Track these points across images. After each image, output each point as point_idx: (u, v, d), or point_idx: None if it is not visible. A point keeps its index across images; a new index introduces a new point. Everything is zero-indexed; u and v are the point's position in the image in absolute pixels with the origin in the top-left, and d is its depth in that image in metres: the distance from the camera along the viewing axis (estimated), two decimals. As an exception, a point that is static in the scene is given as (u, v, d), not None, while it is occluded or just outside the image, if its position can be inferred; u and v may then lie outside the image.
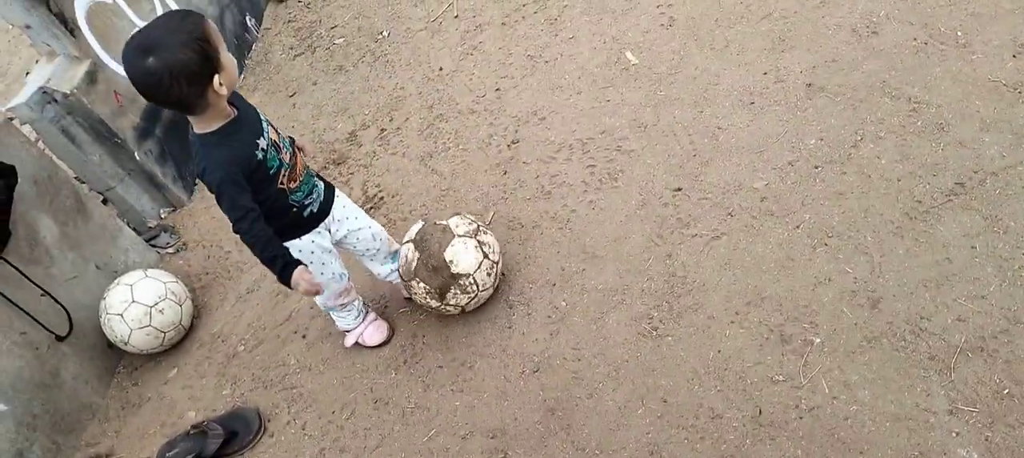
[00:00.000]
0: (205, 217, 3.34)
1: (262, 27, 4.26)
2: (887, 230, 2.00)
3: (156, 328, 2.73)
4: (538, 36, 3.22)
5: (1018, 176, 1.95)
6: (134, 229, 3.20)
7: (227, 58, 1.83)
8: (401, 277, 2.32)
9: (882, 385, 1.75)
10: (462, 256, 2.17)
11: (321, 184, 2.19)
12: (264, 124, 2.00)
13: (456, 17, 3.57)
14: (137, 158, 3.21)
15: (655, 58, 2.82)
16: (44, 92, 2.95)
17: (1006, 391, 1.64)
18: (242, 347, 2.75)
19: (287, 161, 2.04)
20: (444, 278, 2.18)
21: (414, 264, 2.21)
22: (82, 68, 3.05)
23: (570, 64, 3.01)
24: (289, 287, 1.98)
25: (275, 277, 1.97)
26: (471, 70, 3.26)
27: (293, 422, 2.43)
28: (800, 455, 1.72)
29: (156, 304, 2.73)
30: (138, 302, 2.71)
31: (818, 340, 1.90)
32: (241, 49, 4.06)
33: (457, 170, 2.90)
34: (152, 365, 2.86)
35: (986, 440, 1.60)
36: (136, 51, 1.72)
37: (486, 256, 2.20)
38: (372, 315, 2.48)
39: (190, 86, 1.75)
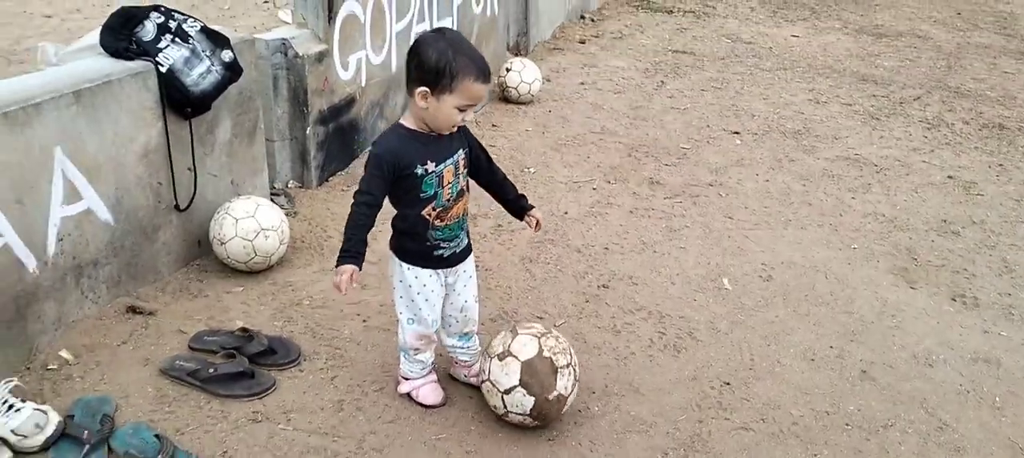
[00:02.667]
0: (321, 203, 3.75)
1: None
2: (890, 496, 2.24)
3: (254, 247, 3.06)
4: (655, 233, 3.67)
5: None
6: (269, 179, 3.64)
7: (454, 109, 2.14)
8: (488, 378, 2.35)
9: None
10: (562, 384, 2.33)
11: (466, 240, 2.42)
12: (453, 159, 2.26)
13: (594, 189, 4.09)
14: (306, 132, 3.72)
15: (744, 293, 3.21)
16: (284, 42, 3.55)
17: None
18: (307, 302, 3.03)
19: (443, 200, 2.28)
20: (551, 407, 2.33)
21: (516, 380, 2.29)
22: (318, 48, 3.67)
23: (673, 262, 3.43)
24: (335, 268, 2.19)
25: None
26: (591, 225, 3.72)
27: (325, 370, 2.66)
28: None
29: (266, 229, 3.09)
30: (256, 219, 3.08)
31: (801, 537, 2.09)
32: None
33: (548, 279, 3.26)
34: (221, 275, 3.17)
35: None
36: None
37: (576, 381, 2.40)
38: (433, 376, 2.55)
39: (429, 78, 2.10)
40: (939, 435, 2.48)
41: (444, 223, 2.33)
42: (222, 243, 3.07)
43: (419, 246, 2.33)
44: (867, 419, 2.53)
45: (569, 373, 2.36)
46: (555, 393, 2.32)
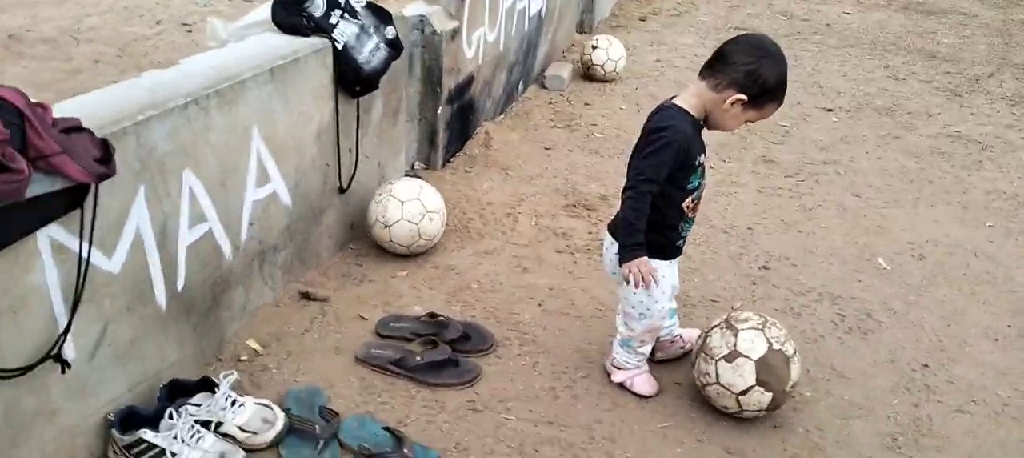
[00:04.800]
0: (450, 185, 3.66)
1: (524, 95, 4.81)
2: None
3: (420, 231, 2.97)
4: (792, 212, 3.64)
5: None
6: (410, 157, 3.55)
7: (756, 115, 2.15)
8: (717, 382, 2.29)
9: None
10: (795, 372, 2.30)
11: None
12: (706, 152, 2.26)
13: (711, 167, 4.04)
14: (437, 111, 3.61)
15: (905, 274, 3.20)
16: (422, 18, 3.43)
17: None
18: (476, 285, 2.96)
19: (700, 192, 2.28)
20: (786, 397, 2.30)
21: (753, 380, 2.24)
22: (452, 25, 3.55)
23: (822, 242, 3.40)
24: (625, 262, 2.19)
25: (621, 245, 2.20)
26: (725, 206, 3.67)
27: (524, 357, 2.59)
28: None
29: (431, 212, 3.00)
30: (421, 201, 2.98)
31: (1061, 520, 2.09)
32: (508, 101, 4.57)
33: (706, 261, 3.22)
34: (380, 259, 3.08)
35: None
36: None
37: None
38: (647, 366, 2.49)
39: (754, 91, 2.08)
40: None
41: (693, 215, 2.31)
42: (386, 226, 2.97)
43: (668, 239, 2.29)
44: (1073, 399, 2.54)
45: (798, 359, 2.32)
46: (791, 383, 2.28)
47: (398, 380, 2.45)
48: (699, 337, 2.42)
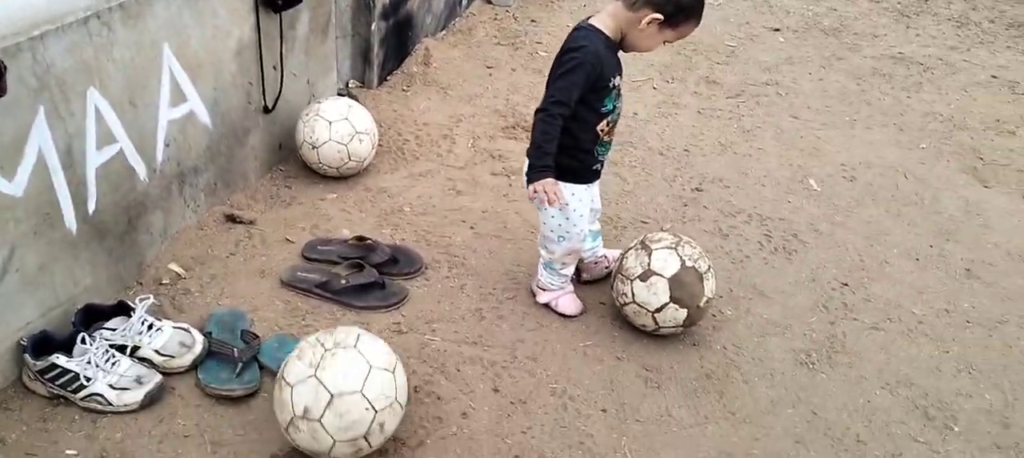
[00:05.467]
0: (386, 104, 3.59)
1: (468, 10, 4.69)
2: (1021, 385, 2.33)
3: (349, 152, 2.92)
4: (730, 134, 3.65)
5: None
6: (343, 76, 3.46)
7: (674, 35, 2.11)
8: (633, 302, 2.31)
9: (1011, 484, 2.03)
10: (709, 288, 2.32)
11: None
12: (621, 74, 2.23)
13: (654, 88, 4.02)
14: (371, 27, 3.51)
15: (835, 194, 3.24)
16: (351, -73, 3.29)
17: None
18: (408, 208, 2.94)
19: (616, 115, 2.26)
20: (701, 313, 2.33)
21: (667, 298, 2.26)
22: (384, -69, 3.42)
23: (756, 163, 3.42)
24: (531, 183, 2.16)
25: (529, 166, 2.19)
26: (664, 127, 3.67)
27: (452, 279, 2.60)
28: (934, 498, 1.96)
29: (360, 132, 2.94)
30: (350, 121, 2.92)
31: (957, 429, 2.17)
32: (450, 16, 4.46)
33: (640, 183, 3.22)
34: (309, 180, 3.03)
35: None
36: None
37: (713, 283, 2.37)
38: (572, 287, 2.51)
39: (669, 9, 2.04)
40: (1055, 330, 2.59)
41: (608, 139, 2.29)
42: (314, 147, 2.91)
43: (581, 163, 2.27)
44: (983, 316, 2.62)
45: (712, 275, 2.35)
46: (705, 299, 2.32)
47: (323, 303, 2.44)
48: (617, 259, 2.44)
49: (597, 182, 2.40)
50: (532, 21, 4.73)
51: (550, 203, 2.18)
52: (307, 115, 2.94)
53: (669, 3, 2.05)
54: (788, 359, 2.39)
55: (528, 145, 2.30)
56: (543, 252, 2.42)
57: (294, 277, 2.51)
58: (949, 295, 2.71)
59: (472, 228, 2.85)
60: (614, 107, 2.23)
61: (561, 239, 2.35)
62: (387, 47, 3.70)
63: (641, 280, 2.30)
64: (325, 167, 2.95)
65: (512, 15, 4.76)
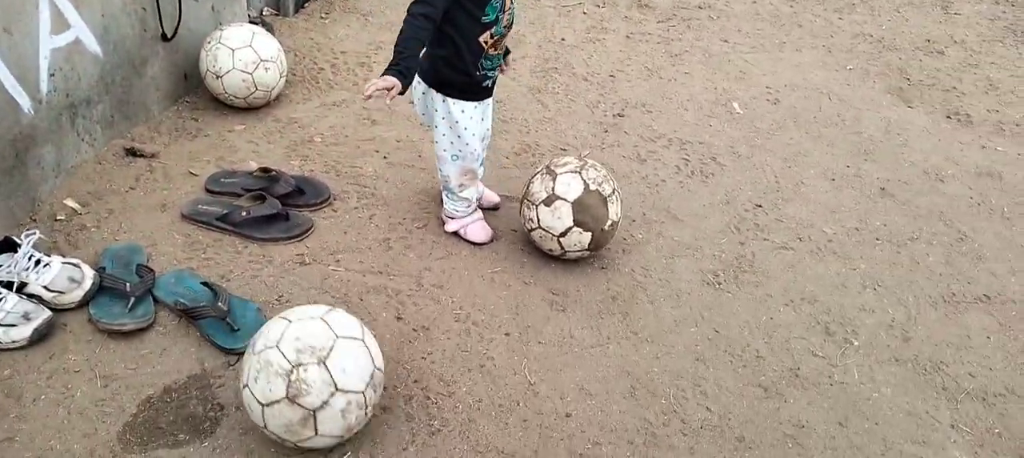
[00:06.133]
0: (302, 33, 3.48)
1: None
2: (925, 300, 2.37)
3: (255, 80, 2.83)
4: (657, 58, 3.60)
5: (1031, 320, 2.38)
6: (253, 3, 3.32)
7: None
8: (539, 226, 2.28)
9: (901, 388, 2.06)
10: (613, 211, 2.29)
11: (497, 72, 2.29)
12: None
13: (585, 13, 3.94)
14: (284, -50, 3.37)
15: (757, 117, 3.22)
16: None
17: (996, 431, 1.97)
18: (319, 139, 2.86)
19: (502, 27, 2.15)
20: (606, 236, 2.30)
21: (570, 221, 2.23)
22: None
23: (681, 88, 3.39)
24: (380, 77, 1.96)
25: (387, 61, 1.99)
26: (590, 52, 3.61)
27: (361, 210, 2.54)
28: (825, 407, 1.99)
29: (267, 61, 2.84)
30: (254, 48, 2.82)
31: (856, 343, 2.20)
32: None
33: (561, 110, 3.18)
34: (217, 112, 2.94)
35: (975, 454, 1.91)
36: None
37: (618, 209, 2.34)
38: (480, 214, 2.46)
39: None
40: (960, 245, 2.62)
41: (495, 52, 2.20)
42: (218, 77, 2.81)
43: (467, 78, 2.19)
44: (893, 233, 2.65)
45: (616, 198, 2.33)
46: (609, 222, 2.30)
47: (225, 236, 2.38)
48: (525, 185, 2.40)
49: (489, 101, 2.34)
50: (464, -54, 4.58)
51: (367, 95, 1.95)
52: (210, 43, 2.83)
53: None
54: (695, 279, 2.39)
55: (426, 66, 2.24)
56: (439, 174, 2.38)
57: (195, 210, 2.43)
58: (861, 214, 2.72)
59: (385, 158, 2.79)
60: (496, 18, 2.13)
61: (454, 159, 2.30)
62: (304, -27, 3.57)
63: (546, 205, 2.27)
64: (231, 97, 2.85)
65: (443, -60, 4.61)
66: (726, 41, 3.80)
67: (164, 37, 2.76)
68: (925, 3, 4.32)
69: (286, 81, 3.09)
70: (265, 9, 3.50)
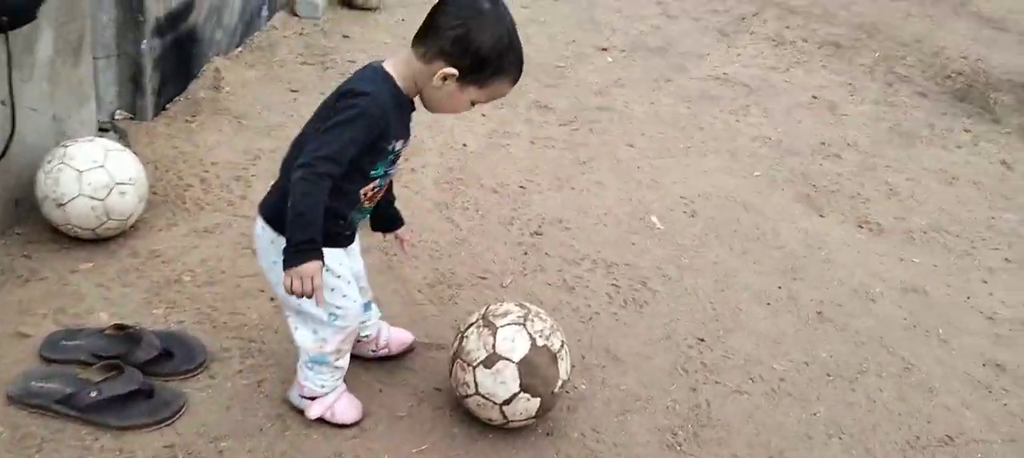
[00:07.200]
0: (162, 140, 2.98)
1: (269, 23, 4.11)
2: (892, 447, 2.18)
3: (106, 208, 2.32)
4: (566, 166, 3.35)
5: (994, 451, 2.24)
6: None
7: (483, 95, 1.71)
8: (476, 393, 1.91)
9: None
10: (564, 369, 1.97)
11: None
12: (412, 134, 1.82)
13: (483, 115, 3.65)
14: (142, 47, 2.87)
15: (678, 233, 3.02)
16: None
17: None
18: (188, 277, 2.36)
19: (384, 181, 1.84)
20: (555, 399, 1.98)
21: (516, 387, 1.89)
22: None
23: (595, 199, 3.14)
24: (291, 266, 1.62)
25: (289, 242, 1.63)
26: (496, 160, 3.30)
27: (246, 373, 2.06)
28: None
29: (122, 183, 2.34)
30: (107, 170, 2.31)
31: (838, 513, 1.97)
32: (247, 31, 3.86)
33: (474, 229, 2.83)
34: (56, 246, 2.40)
35: None
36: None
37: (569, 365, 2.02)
38: (344, 385, 1.97)
39: (466, 63, 1.63)
40: (908, 375, 2.47)
41: (368, 205, 1.85)
42: (59, 205, 2.26)
43: (336, 228, 1.79)
44: (842, 366, 2.46)
45: (566, 353, 2.00)
46: (560, 382, 1.96)
47: (69, 425, 1.83)
48: (455, 337, 2.02)
49: (354, 245, 1.95)
50: (344, 36, 4.22)
51: (307, 296, 1.65)
52: (50, 163, 2.29)
53: (465, 54, 1.63)
54: (652, 440, 2.08)
55: (265, 201, 1.83)
56: (308, 343, 1.86)
57: (27, 389, 1.87)
58: (806, 344, 2.53)
59: (272, 300, 2.31)
60: (385, 172, 1.79)
61: (334, 319, 1.83)
62: (164, 69, 3.06)
63: (486, 366, 1.89)
64: (76, 229, 2.31)
65: (321, 29, 4.23)
66: (632, 145, 3.63)
67: (-12, 157, 2.20)
68: (813, 105, 4.37)
69: (146, 203, 2.57)
70: (118, 112, 2.96)
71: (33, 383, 1.88)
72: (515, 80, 1.74)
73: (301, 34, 4.14)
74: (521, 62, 1.72)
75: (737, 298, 2.71)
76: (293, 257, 1.63)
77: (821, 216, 3.32)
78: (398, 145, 1.76)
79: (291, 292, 1.65)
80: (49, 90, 2.42)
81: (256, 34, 3.96)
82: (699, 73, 4.58)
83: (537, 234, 2.87)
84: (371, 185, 1.79)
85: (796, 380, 2.38)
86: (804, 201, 3.41)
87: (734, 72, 4.66)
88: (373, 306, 2.13)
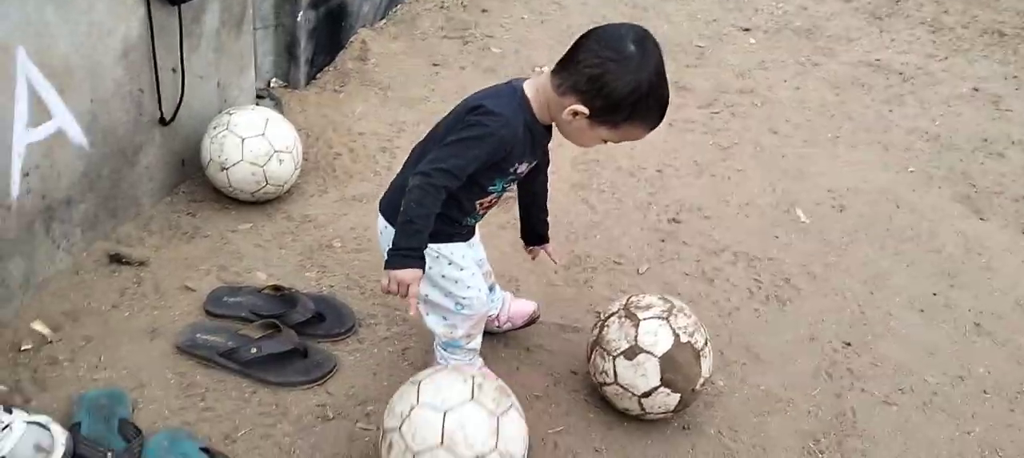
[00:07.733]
0: (315, 108, 3.09)
1: (412, -4, 4.19)
2: (1058, 480, 2.03)
3: (265, 174, 2.43)
4: (705, 152, 3.26)
5: None
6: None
7: (615, 136, 1.66)
8: (615, 382, 1.91)
9: None
10: (706, 367, 1.94)
11: None
12: (536, 161, 1.81)
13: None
14: (298, 18, 2.99)
15: (825, 228, 2.89)
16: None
17: None
18: (338, 243, 2.46)
19: (501, 194, 1.81)
20: (695, 396, 1.95)
21: (657, 381, 1.87)
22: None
23: (737, 188, 3.05)
24: (392, 267, 1.62)
25: (394, 245, 1.63)
26: (633, 142, 3.25)
27: (391, 341, 2.14)
28: None
29: (280, 151, 2.45)
30: (267, 138, 2.42)
31: (995, 542, 1.85)
32: (391, 3, 3.94)
33: (610, 212, 2.81)
34: (218, 206, 2.53)
35: None
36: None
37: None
38: (480, 360, 2.01)
39: (599, 104, 1.57)
40: (1080, 400, 2.29)
41: (486, 211, 1.85)
42: (223, 168, 2.40)
43: (451, 226, 1.79)
44: (1001, 383, 2.30)
45: (709, 351, 1.96)
46: (701, 380, 1.92)
47: (229, 376, 1.96)
48: (595, 324, 2.01)
49: (475, 237, 1.95)
50: (483, 10, 4.24)
51: (401, 298, 1.65)
52: (215, 129, 2.42)
53: (599, 94, 1.56)
54: (793, 445, 2.01)
55: (384, 198, 1.86)
56: (440, 329, 1.89)
57: (193, 341, 2.01)
58: (962, 357, 2.38)
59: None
60: (503, 188, 1.78)
61: (461, 308, 1.84)
62: (317, 40, 3.18)
63: (627, 357, 1.88)
64: (237, 191, 2.44)
65: (461, 3, 4.27)
66: (775, 132, 3.48)
67: (162, 120, 2.35)
68: (974, 97, 4.06)
69: (300, 170, 2.69)
70: (273, 80, 3.10)
71: (199, 335, 2.02)
72: (652, 127, 1.67)
73: (442, 7, 4.19)
74: (662, 110, 1.64)
75: (888, 302, 2.56)
76: (395, 259, 1.63)
77: (982, 219, 3.09)
78: (521, 167, 1.75)
79: (387, 292, 1.65)
80: (214, 59, 2.56)
81: (399, 7, 4.04)
82: (849, 58, 4.33)
83: (675, 221, 2.81)
84: (488, 198, 1.79)
85: (950, 395, 2.24)
86: (963, 201, 3.18)
87: (887, 58, 4.38)
88: (497, 287, 2.15)
